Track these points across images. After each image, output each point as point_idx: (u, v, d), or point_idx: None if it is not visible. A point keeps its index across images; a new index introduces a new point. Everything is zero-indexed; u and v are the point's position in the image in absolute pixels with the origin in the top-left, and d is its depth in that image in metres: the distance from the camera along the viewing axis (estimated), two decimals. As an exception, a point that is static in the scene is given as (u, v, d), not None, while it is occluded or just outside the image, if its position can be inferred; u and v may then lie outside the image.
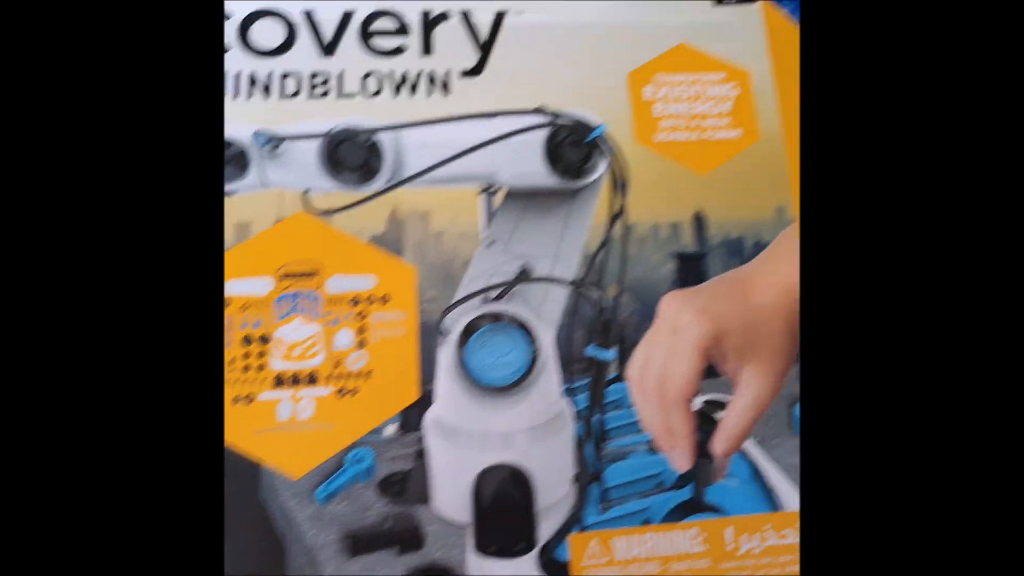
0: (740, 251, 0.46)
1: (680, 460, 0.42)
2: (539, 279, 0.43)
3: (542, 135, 0.44)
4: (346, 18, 0.47)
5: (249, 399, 0.40)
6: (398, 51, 0.47)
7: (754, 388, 0.43)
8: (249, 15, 0.46)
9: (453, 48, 0.47)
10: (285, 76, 0.45)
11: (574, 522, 0.41)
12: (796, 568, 0.41)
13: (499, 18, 0.48)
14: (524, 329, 0.42)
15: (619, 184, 0.45)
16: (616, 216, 0.44)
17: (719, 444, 0.43)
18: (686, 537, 0.41)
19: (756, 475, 0.43)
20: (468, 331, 0.42)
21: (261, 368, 0.40)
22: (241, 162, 0.43)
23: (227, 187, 0.43)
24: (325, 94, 0.45)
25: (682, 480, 0.43)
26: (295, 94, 0.45)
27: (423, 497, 0.40)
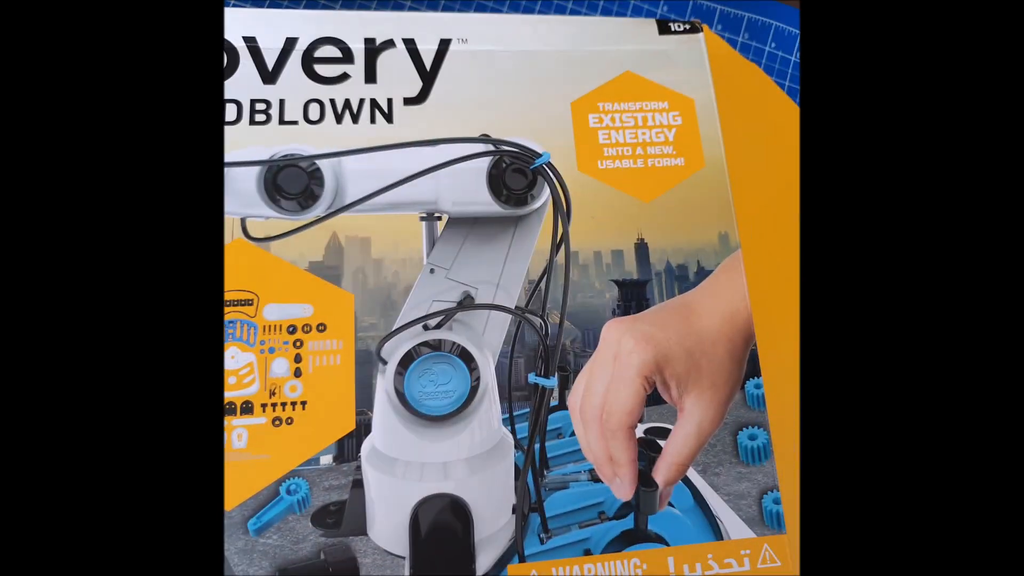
0: (684, 278, 0.46)
1: (621, 489, 0.42)
2: (481, 306, 0.43)
3: (485, 163, 0.44)
4: (289, 45, 0.47)
5: (181, 429, 0.39)
6: (342, 78, 0.47)
7: (697, 415, 0.43)
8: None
9: (397, 76, 0.47)
10: (225, 103, 0.45)
11: (513, 553, 0.41)
12: (739, 598, 0.41)
13: (443, 46, 0.48)
14: (465, 357, 0.42)
15: (562, 211, 0.45)
16: (559, 243, 0.44)
17: (661, 472, 0.42)
18: (628, 567, 0.41)
19: (699, 503, 0.43)
20: (407, 359, 0.41)
21: (194, 397, 0.39)
22: (178, 189, 0.42)
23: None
24: (266, 121, 0.45)
25: (624, 509, 0.43)
26: (236, 120, 0.45)
27: (359, 528, 0.40)
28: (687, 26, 0.51)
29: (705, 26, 0.51)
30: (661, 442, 0.43)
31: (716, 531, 0.42)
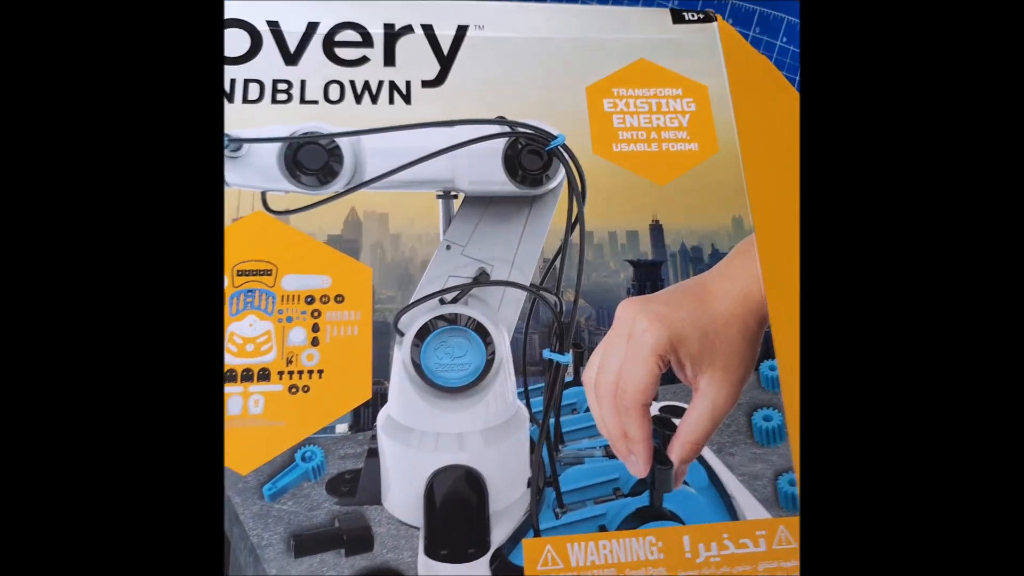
0: (698, 259, 0.46)
1: (636, 466, 0.42)
2: (497, 282, 0.43)
3: (501, 144, 0.44)
4: (311, 29, 0.48)
5: (198, 394, 0.39)
6: (361, 61, 0.48)
7: (711, 395, 0.43)
8: (215, 24, 0.47)
9: (415, 60, 0.48)
10: (248, 82, 0.46)
11: (528, 527, 0.40)
12: (755, 577, 0.41)
13: (461, 32, 0.49)
14: (480, 331, 0.42)
15: (577, 191, 0.45)
16: (574, 223, 0.44)
17: (676, 451, 0.42)
18: (643, 544, 0.40)
19: (714, 483, 0.43)
20: (424, 332, 0.42)
21: (212, 364, 0.40)
22: (200, 163, 0.43)
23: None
24: (288, 100, 0.46)
25: (639, 486, 0.42)
26: (258, 99, 0.46)
27: (373, 497, 0.40)
28: (701, 15, 0.52)
29: (719, 16, 0.52)
30: (676, 420, 0.43)
31: (731, 511, 0.42)
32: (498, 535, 0.40)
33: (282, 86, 0.46)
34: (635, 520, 0.42)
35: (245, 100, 0.45)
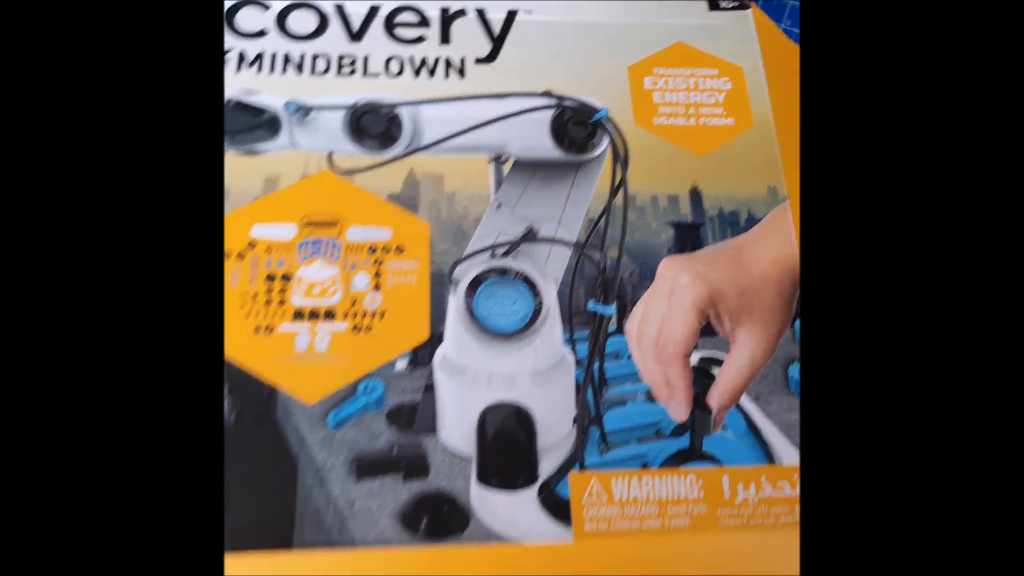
0: (735, 224, 0.49)
1: (677, 410, 0.44)
2: (544, 239, 0.46)
3: (549, 115, 0.48)
4: (372, 12, 0.52)
5: (270, 330, 0.42)
6: (419, 40, 0.52)
7: (749, 348, 0.45)
8: (287, 6, 0.52)
9: (469, 39, 0.52)
10: (316, 57, 0.50)
11: (574, 461, 0.43)
12: (791, 519, 0.42)
13: (511, 16, 0.53)
14: (529, 283, 0.45)
15: (620, 159, 0.48)
16: (618, 187, 0.47)
17: (715, 397, 0.44)
18: (684, 482, 0.42)
19: (752, 429, 0.45)
20: (476, 281, 0.45)
21: (282, 303, 0.43)
22: (274, 126, 0.47)
23: (260, 147, 0.47)
24: (352, 73, 0.50)
25: (680, 429, 0.44)
26: (325, 72, 0.50)
27: (430, 428, 0.42)
28: (736, 3, 0.55)
29: (753, 3, 0.55)
30: (714, 371, 0.45)
31: (769, 456, 0.44)
32: (546, 467, 0.42)
33: (347, 60, 0.50)
34: (676, 460, 0.43)
35: (312, 73, 0.49)
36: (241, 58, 0.50)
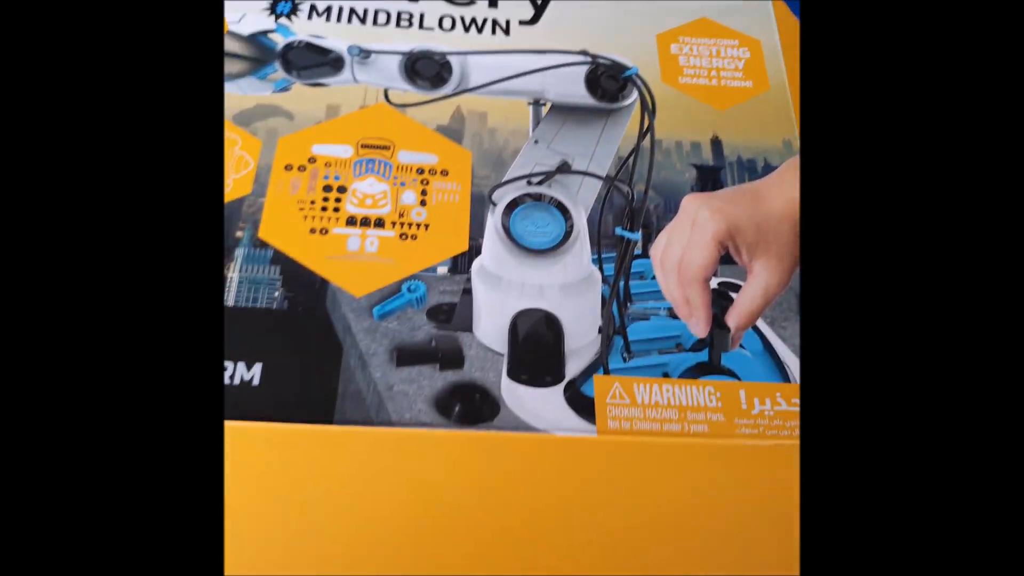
0: (752, 170, 0.53)
1: (698, 327, 0.47)
2: (577, 172, 0.51)
3: (584, 69, 0.53)
4: (430, -25, 0.59)
5: (324, 232, 0.47)
6: (470, 3, 0.57)
7: (764, 279, 0.48)
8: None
9: (513, 5, 0.58)
10: (377, 12, 0.56)
11: (599, 365, 0.46)
12: (804, 431, 0.45)
13: None
14: (561, 209, 0.49)
15: (648, 108, 0.53)
16: (645, 131, 0.52)
17: (733, 318, 0.47)
18: (703, 392, 0.45)
19: (767, 349, 0.48)
20: (513, 204, 0.49)
21: (337, 210, 0.47)
22: (338, 65, 0.53)
23: (324, 80, 0.52)
24: (409, 26, 0.56)
25: (699, 345, 0.47)
26: (385, 23, 0.55)
27: (466, 326, 0.46)
28: (757, -14, 0.61)
29: (772, -13, 0.61)
30: (733, 295, 0.48)
31: (784, 375, 0.47)
32: (571, 369, 0.45)
33: (405, 15, 0.56)
34: (695, 372, 0.46)
35: (375, 23, 0.55)
36: (312, 9, 0.56)
